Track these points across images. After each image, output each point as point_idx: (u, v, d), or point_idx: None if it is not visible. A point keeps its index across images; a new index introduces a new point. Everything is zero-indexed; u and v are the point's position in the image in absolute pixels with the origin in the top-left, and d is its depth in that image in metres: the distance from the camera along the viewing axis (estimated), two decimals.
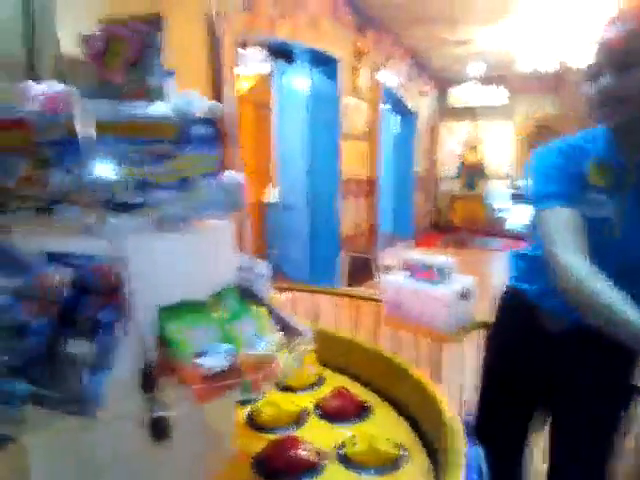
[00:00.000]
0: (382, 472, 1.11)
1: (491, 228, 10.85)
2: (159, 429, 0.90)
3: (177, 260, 0.95)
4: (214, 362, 0.88)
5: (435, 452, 1.17)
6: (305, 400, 1.40)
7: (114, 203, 0.86)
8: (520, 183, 10.82)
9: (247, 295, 1.06)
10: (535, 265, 1.41)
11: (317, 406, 1.37)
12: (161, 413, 0.87)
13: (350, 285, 5.83)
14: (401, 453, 1.16)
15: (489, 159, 11.26)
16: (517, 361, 1.53)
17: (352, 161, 6.49)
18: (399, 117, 9.64)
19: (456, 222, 11.17)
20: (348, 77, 6.20)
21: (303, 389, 1.47)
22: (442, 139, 11.95)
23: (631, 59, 1.16)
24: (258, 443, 1.20)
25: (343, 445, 1.18)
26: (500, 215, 10.96)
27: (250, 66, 5.53)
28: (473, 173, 11.10)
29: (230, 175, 1.05)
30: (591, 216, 1.25)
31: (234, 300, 1.02)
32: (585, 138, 1.35)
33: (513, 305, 1.55)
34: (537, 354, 1.47)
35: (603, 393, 1.38)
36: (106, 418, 0.82)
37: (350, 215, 6.61)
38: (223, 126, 1.01)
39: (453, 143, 11.78)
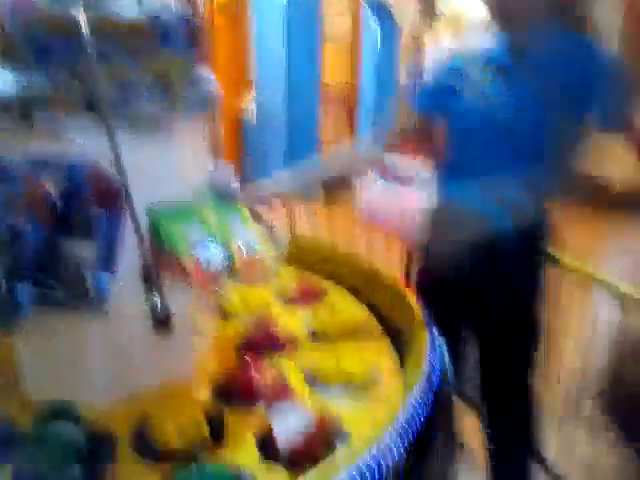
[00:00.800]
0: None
1: None
2: (162, 321, 0.96)
3: (157, 161, 0.97)
4: (210, 254, 0.96)
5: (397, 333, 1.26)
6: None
7: (93, 105, 0.87)
8: None
9: (225, 196, 1.10)
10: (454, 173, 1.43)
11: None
12: (165, 305, 0.93)
13: (329, 197, 5.83)
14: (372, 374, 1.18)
15: None
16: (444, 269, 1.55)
17: (332, 66, 6.28)
18: (380, 22, 9.19)
19: None
20: None
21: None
22: (426, 47, 11.48)
23: None
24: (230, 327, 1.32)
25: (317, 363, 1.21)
26: None
27: None
28: None
29: (204, 75, 1.06)
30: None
31: (215, 200, 1.07)
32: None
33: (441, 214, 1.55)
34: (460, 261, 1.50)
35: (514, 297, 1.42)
36: (112, 312, 0.89)
37: (330, 123, 6.48)
38: (197, 26, 1.01)
39: (438, 52, 11.33)
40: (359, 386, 1.12)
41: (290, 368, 1.15)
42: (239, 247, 1.00)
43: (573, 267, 1.65)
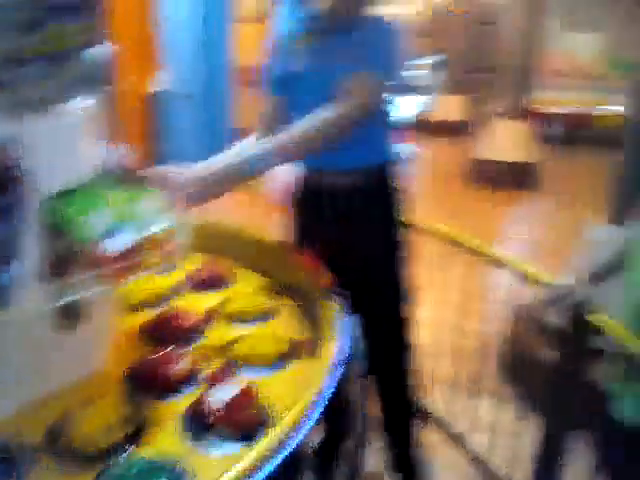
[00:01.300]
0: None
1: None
2: (70, 314, 0.92)
3: (49, 144, 0.90)
4: (120, 242, 0.90)
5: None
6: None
7: None
8: (411, 72, 10.95)
9: (127, 179, 1.05)
10: None
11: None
12: (72, 298, 0.89)
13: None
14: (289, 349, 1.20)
15: None
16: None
17: (245, 46, 6.15)
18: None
19: None
20: None
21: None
22: None
23: None
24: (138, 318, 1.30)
25: (231, 345, 1.21)
26: (391, 105, 11.09)
27: None
28: None
29: (99, 52, 0.99)
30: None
31: (118, 184, 1.02)
32: None
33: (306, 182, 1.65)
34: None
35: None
36: (14, 308, 0.84)
37: (246, 106, 6.37)
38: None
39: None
40: (275, 363, 1.15)
41: (203, 353, 1.15)
42: (149, 232, 0.96)
43: (473, 245, 1.75)
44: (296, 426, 0.84)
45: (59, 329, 0.92)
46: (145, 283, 1.39)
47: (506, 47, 7.32)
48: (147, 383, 1.05)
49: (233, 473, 0.74)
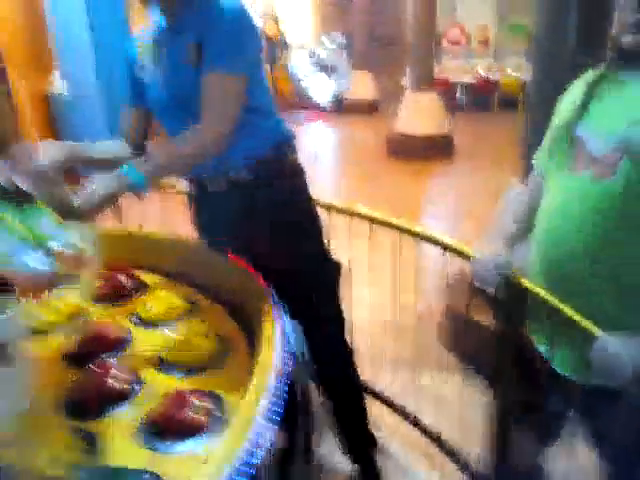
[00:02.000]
0: (199, 370, 1.14)
1: (299, 100, 10.99)
2: None
3: None
4: (31, 261, 0.91)
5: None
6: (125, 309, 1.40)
7: None
8: (319, 52, 10.95)
9: (17, 195, 0.99)
10: None
11: (134, 314, 1.36)
12: None
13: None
14: (220, 347, 1.19)
15: (289, 29, 11.05)
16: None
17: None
18: None
19: None
20: None
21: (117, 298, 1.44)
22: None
23: None
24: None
25: (160, 350, 1.19)
26: (304, 86, 11.10)
27: None
28: (275, 45, 10.85)
29: None
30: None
31: (8, 201, 0.98)
32: None
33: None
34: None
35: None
36: None
37: None
38: None
39: (253, 14, 11.27)
40: (208, 362, 1.15)
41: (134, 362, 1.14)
42: (58, 247, 0.96)
43: (397, 223, 1.76)
44: (251, 416, 0.85)
45: None
46: (48, 304, 1.31)
47: (405, 20, 7.45)
48: (87, 402, 1.03)
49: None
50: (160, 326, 1.29)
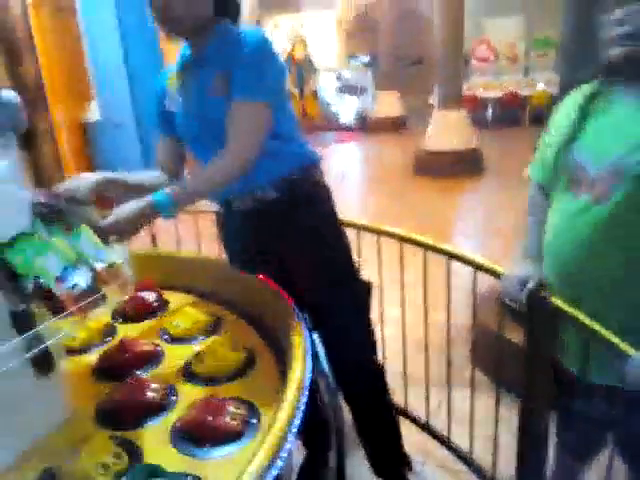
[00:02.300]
0: (227, 380, 1.17)
1: (327, 122, 11.13)
2: (43, 363, 0.93)
3: None
4: (78, 279, 0.96)
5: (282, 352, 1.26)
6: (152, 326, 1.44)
7: None
8: (346, 75, 11.09)
9: (60, 219, 1.05)
10: None
11: (162, 330, 1.40)
12: (42, 346, 0.91)
13: None
14: (247, 356, 1.23)
15: (316, 52, 11.24)
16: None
17: None
18: None
19: None
20: None
21: (146, 317, 1.49)
22: (269, 35, 11.61)
23: None
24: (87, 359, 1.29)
25: (189, 363, 1.23)
26: (331, 108, 11.24)
27: None
28: (302, 68, 11.04)
29: (6, 94, 0.96)
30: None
31: (49, 223, 1.03)
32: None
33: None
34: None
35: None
36: None
37: None
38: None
39: (281, 38, 11.53)
40: (236, 372, 1.18)
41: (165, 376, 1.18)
42: (98, 265, 1.01)
43: (427, 242, 1.76)
44: (285, 434, 0.87)
45: (35, 378, 0.94)
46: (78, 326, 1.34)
47: (431, 39, 7.48)
48: (125, 413, 1.06)
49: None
50: (188, 341, 1.33)
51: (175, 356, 1.27)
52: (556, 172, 1.23)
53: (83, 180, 1.22)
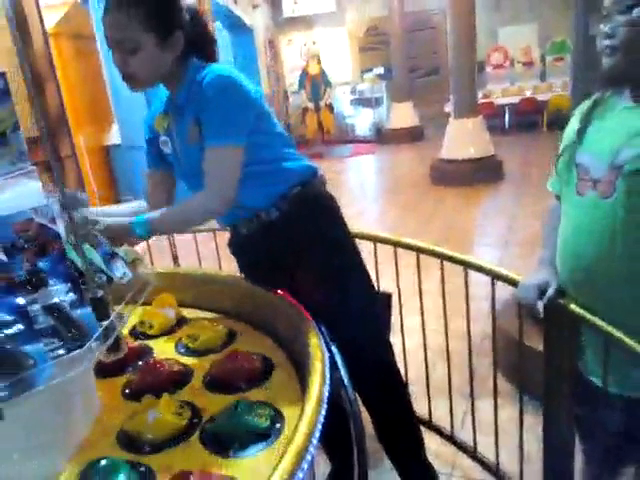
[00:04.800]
0: (247, 388, 1.20)
1: (343, 135, 11.20)
2: (114, 344, 0.99)
3: None
4: (125, 271, 1.11)
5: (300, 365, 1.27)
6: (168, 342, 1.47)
7: None
8: (360, 87, 11.17)
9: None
10: None
11: (179, 344, 1.43)
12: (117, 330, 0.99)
13: None
14: (264, 366, 1.25)
15: (330, 67, 11.35)
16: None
17: None
18: (233, 34, 9.25)
19: (309, 135, 11.29)
20: None
21: (164, 333, 1.51)
22: (283, 52, 11.78)
23: None
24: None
25: (214, 372, 1.25)
26: (347, 121, 11.32)
27: None
28: (317, 83, 11.15)
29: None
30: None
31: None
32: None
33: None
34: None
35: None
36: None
37: None
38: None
39: (295, 55, 11.68)
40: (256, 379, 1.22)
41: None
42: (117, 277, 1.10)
43: (445, 253, 1.76)
44: (305, 450, 0.88)
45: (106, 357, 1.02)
46: None
47: (444, 49, 7.50)
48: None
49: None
50: (207, 353, 1.35)
51: (198, 369, 1.29)
52: (564, 178, 1.26)
53: None
